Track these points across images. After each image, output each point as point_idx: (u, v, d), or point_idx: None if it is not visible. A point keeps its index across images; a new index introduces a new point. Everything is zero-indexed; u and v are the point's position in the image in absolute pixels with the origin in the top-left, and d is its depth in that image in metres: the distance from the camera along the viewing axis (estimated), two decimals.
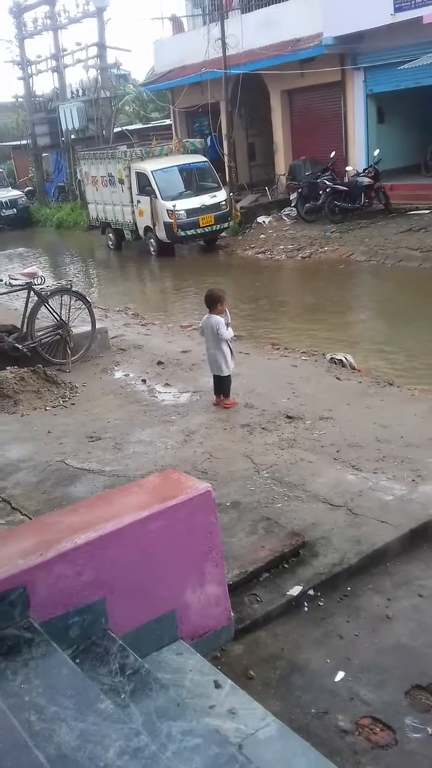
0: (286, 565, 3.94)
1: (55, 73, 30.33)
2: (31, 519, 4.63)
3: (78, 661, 2.71)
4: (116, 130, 28.36)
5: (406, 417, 5.98)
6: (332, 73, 19.38)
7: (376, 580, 3.88)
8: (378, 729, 2.90)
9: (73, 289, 8.72)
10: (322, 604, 3.71)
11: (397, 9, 16.48)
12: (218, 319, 6.47)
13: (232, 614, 3.43)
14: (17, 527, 4.24)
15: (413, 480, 4.80)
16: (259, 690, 3.11)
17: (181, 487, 3.24)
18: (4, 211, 30.05)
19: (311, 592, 3.75)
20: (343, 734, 2.88)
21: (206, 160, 19.84)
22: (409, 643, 3.37)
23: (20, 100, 32.86)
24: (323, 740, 2.83)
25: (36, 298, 8.22)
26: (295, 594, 3.71)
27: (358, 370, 7.81)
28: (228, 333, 6.51)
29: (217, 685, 2.89)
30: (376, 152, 18.02)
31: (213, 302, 6.54)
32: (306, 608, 3.69)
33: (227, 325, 6.52)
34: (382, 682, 3.14)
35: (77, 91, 29.14)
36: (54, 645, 2.61)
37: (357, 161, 19.48)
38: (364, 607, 3.67)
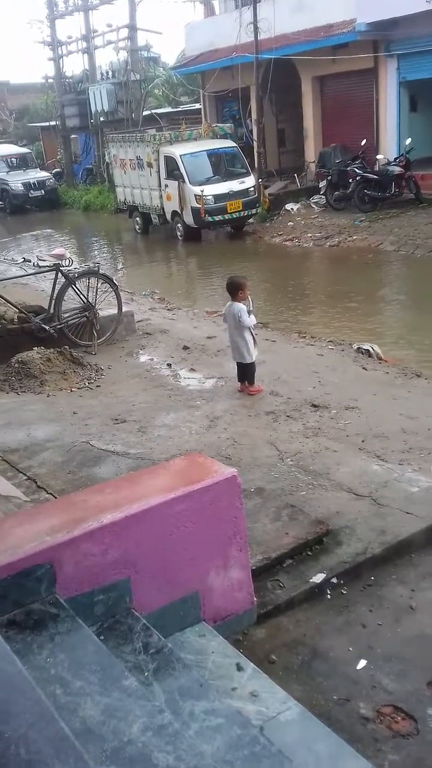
0: (309, 553, 3.93)
1: (86, 55, 30.27)
2: (56, 498, 4.67)
3: (102, 638, 2.73)
4: (145, 113, 28.30)
5: None
6: (365, 59, 19.11)
7: (400, 570, 3.86)
8: (400, 718, 2.89)
9: (101, 271, 8.74)
10: (345, 592, 3.71)
11: None
12: (240, 307, 6.45)
13: (255, 599, 3.43)
14: (44, 505, 4.28)
15: None
16: (280, 675, 3.12)
17: (206, 471, 3.24)
18: (32, 192, 30.11)
19: (334, 580, 3.74)
20: (364, 722, 2.88)
21: (235, 145, 19.74)
22: None
23: (50, 81, 32.90)
24: (344, 726, 2.83)
25: (63, 280, 8.25)
26: (318, 581, 3.71)
27: (385, 361, 7.76)
28: (250, 320, 6.49)
29: (240, 668, 2.90)
30: (408, 141, 17.77)
31: (234, 290, 6.52)
32: (329, 596, 3.69)
33: (249, 312, 6.49)
34: (404, 671, 3.13)
35: (107, 73, 29.07)
36: (79, 621, 2.64)
37: (388, 150, 19.25)
38: (387, 597, 3.65)
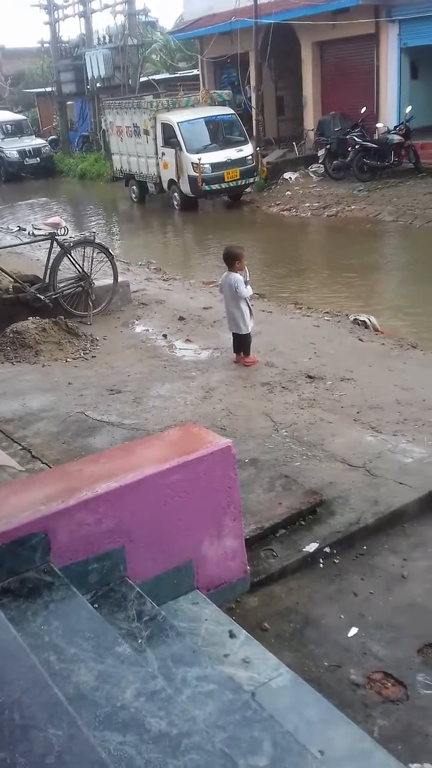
0: (302, 523, 3.96)
1: (82, 19, 29.70)
2: (51, 468, 4.68)
3: (96, 606, 2.76)
4: (143, 79, 27.84)
5: (428, 380, 5.94)
6: (366, 25, 18.78)
7: (393, 540, 3.90)
8: (389, 684, 2.94)
9: (96, 241, 8.67)
10: (337, 561, 3.75)
11: None
12: (237, 277, 6.41)
13: (248, 567, 3.47)
14: (39, 474, 4.30)
15: None
16: (272, 642, 3.16)
17: (201, 441, 3.26)
18: (27, 159, 29.77)
19: (327, 549, 3.78)
20: (354, 687, 2.93)
21: (233, 112, 19.49)
22: (423, 603, 3.40)
23: (46, 45, 32.36)
24: (335, 692, 2.88)
25: (59, 249, 8.18)
26: (311, 551, 3.74)
27: (381, 332, 7.75)
28: (247, 291, 6.46)
29: (232, 635, 2.94)
30: (408, 109, 17.55)
31: (231, 260, 6.48)
32: (321, 565, 3.72)
33: (246, 283, 6.46)
34: (395, 639, 3.18)
35: (104, 37, 28.57)
36: (73, 589, 2.66)
37: (388, 118, 19.01)
38: (379, 566, 3.69)
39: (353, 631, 3.25)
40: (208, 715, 2.26)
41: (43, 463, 4.84)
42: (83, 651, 2.34)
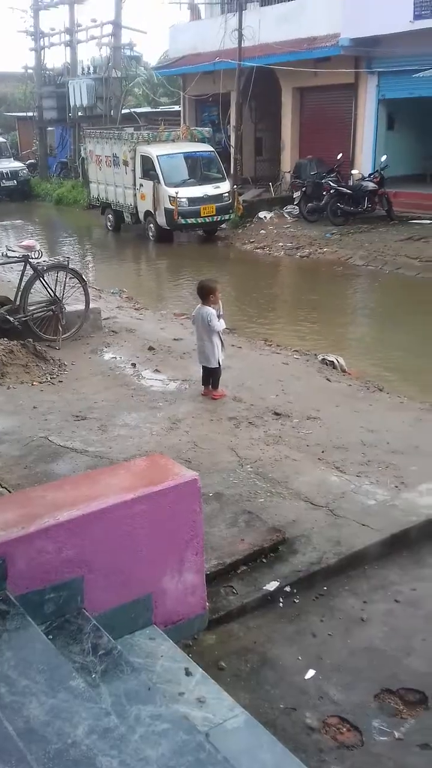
0: (264, 560, 3.93)
1: (68, 48, 29.99)
2: (10, 492, 4.59)
3: (51, 637, 2.69)
4: (124, 111, 28.15)
5: (393, 423, 5.99)
6: (346, 74, 19.32)
7: (353, 582, 3.89)
8: (345, 729, 2.90)
9: (70, 266, 8.65)
10: (297, 601, 3.71)
11: (417, 16, 16.44)
12: (210, 311, 6.44)
13: (207, 604, 3.42)
14: (0, 498, 4.21)
15: (396, 486, 4.81)
16: (229, 681, 3.10)
17: (167, 473, 3.22)
18: (4, 182, 29.72)
19: (288, 588, 3.75)
20: (309, 731, 2.89)
21: (212, 149, 19.77)
22: (381, 647, 3.38)
23: (30, 71, 32.52)
24: (290, 736, 2.83)
25: (31, 272, 8.14)
26: (271, 589, 3.71)
27: (349, 373, 7.82)
28: (220, 325, 6.49)
29: (188, 673, 2.89)
30: (383, 158, 18.00)
31: (205, 293, 6.51)
32: (281, 604, 3.69)
33: (219, 317, 6.49)
34: (352, 683, 3.14)
35: (88, 68, 28.85)
36: (29, 619, 2.59)
37: (363, 165, 19.47)
38: (339, 607, 3.67)
39: (310, 673, 3.21)
40: (161, 755, 2.20)
41: (2, 487, 4.74)
42: (35, 684, 2.27)
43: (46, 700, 2.20)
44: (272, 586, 3.73)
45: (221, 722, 2.63)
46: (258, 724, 2.65)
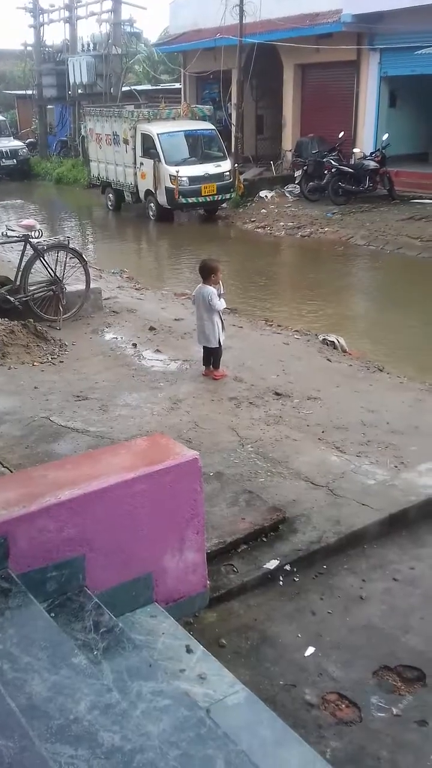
0: (264, 539, 3.96)
1: (67, 24, 29.64)
2: (12, 472, 4.61)
3: (53, 615, 2.71)
4: (124, 88, 27.84)
5: (393, 403, 6.00)
6: (348, 51, 19.10)
7: (353, 560, 3.91)
8: (344, 705, 2.94)
9: (70, 246, 8.61)
10: (297, 579, 3.74)
11: None
12: (211, 290, 6.42)
13: (208, 582, 3.45)
14: (1, 478, 4.23)
15: (395, 466, 4.83)
16: (229, 658, 3.14)
17: (168, 452, 3.24)
18: (3, 161, 29.48)
19: (287, 567, 3.78)
20: (309, 708, 2.92)
21: (213, 128, 19.60)
22: (380, 625, 3.41)
23: (29, 48, 32.14)
24: (289, 712, 2.87)
25: (32, 252, 8.10)
26: (271, 568, 3.73)
27: (350, 353, 7.81)
28: (220, 304, 6.47)
29: (189, 650, 2.92)
30: (385, 136, 17.85)
31: (207, 273, 6.49)
32: (281, 583, 3.72)
33: (220, 296, 6.48)
34: (350, 660, 3.18)
35: (88, 45, 28.51)
36: (31, 597, 2.61)
37: (365, 144, 19.31)
38: (338, 586, 3.70)
39: (310, 650, 3.24)
40: (162, 731, 2.23)
41: (4, 467, 4.76)
42: (38, 661, 2.29)
43: (49, 677, 2.23)
44: (272, 564, 3.76)
45: (222, 698, 2.66)
46: (258, 700, 2.69)
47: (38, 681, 2.21)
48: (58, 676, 2.23)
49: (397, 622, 3.43)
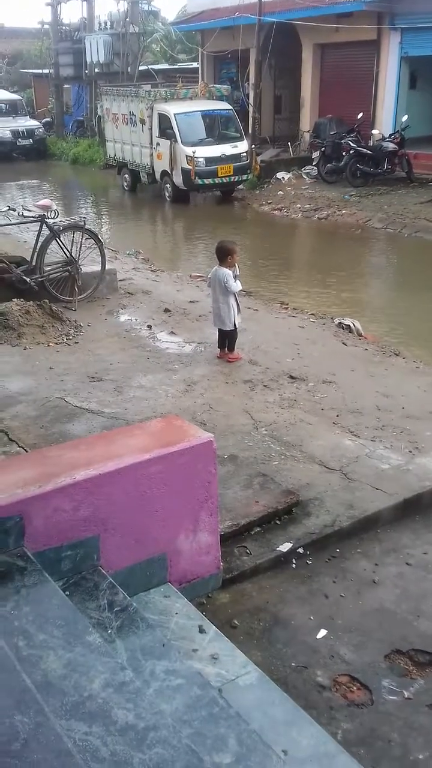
0: (278, 522, 3.97)
1: (85, 2, 29.43)
2: (27, 452, 4.64)
3: (68, 593, 2.74)
4: (141, 68, 27.66)
5: (408, 388, 5.97)
6: (368, 31, 18.82)
7: (366, 544, 3.92)
8: (355, 688, 2.95)
9: (86, 226, 8.60)
10: (310, 562, 3.75)
11: None
12: (227, 272, 6.40)
13: (221, 564, 3.47)
14: (17, 457, 4.26)
15: (410, 451, 4.81)
16: (241, 639, 3.16)
17: (183, 434, 3.24)
18: (20, 140, 29.38)
19: (301, 550, 3.79)
20: (320, 689, 2.94)
21: (231, 108, 19.42)
22: (392, 609, 3.41)
23: (46, 27, 31.96)
24: (301, 693, 2.89)
25: (48, 232, 8.10)
26: (284, 550, 3.74)
27: (365, 337, 7.77)
28: (236, 286, 6.45)
29: (202, 630, 2.94)
30: (405, 118, 17.62)
31: (224, 254, 6.47)
32: (294, 565, 3.73)
33: (236, 278, 6.45)
34: (363, 643, 3.19)
35: (105, 23, 28.32)
36: (46, 575, 2.64)
37: (384, 125, 19.08)
38: (351, 569, 3.71)
39: (322, 633, 3.26)
40: (175, 709, 2.25)
41: (20, 446, 4.79)
42: (53, 638, 2.32)
43: (64, 654, 2.25)
44: (285, 547, 3.77)
45: (234, 678, 2.68)
46: (270, 681, 2.71)
47: (53, 658, 2.23)
48: (73, 654, 2.26)
49: (410, 606, 3.44)
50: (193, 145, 17.82)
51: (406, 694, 2.92)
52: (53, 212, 8.31)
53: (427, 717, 2.82)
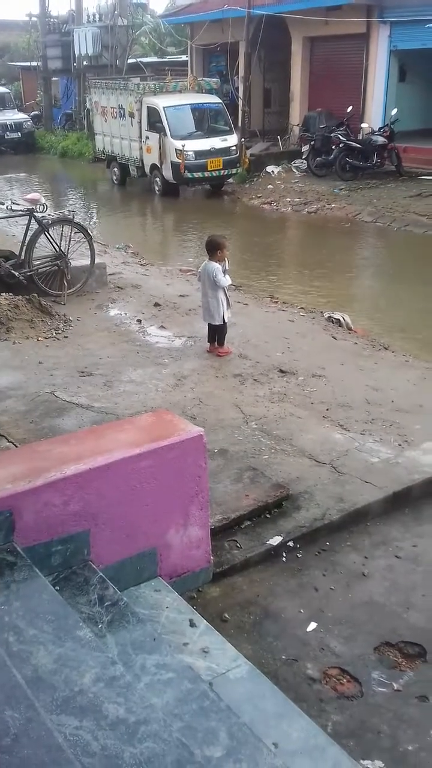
0: (268, 516, 3.98)
1: None
2: (17, 447, 4.63)
3: (58, 588, 2.73)
4: (130, 60, 27.52)
5: (398, 382, 5.99)
6: (357, 24, 18.79)
7: (355, 538, 3.93)
8: (345, 680, 2.97)
9: (75, 220, 8.56)
10: (300, 556, 3.76)
11: None
12: (216, 266, 6.40)
13: (211, 557, 3.47)
14: (7, 452, 4.25)
15: (400, 444, 4.83)
16: (232, 633, 3.17)
17: (173, 428, 3.24)
18: (8, 134, 29.19)
19: (291, 543, 3.80)
20: (310, 682, 2.95)
21: (220, 101, 19.38)
22: (381, 601, 3.43)
23: (34, 19, 31.75)
24: (291, 686, 2.90)
25: (36, 226, 8.06)
26: (274, 544, 3.76)
27: (355, 331, 7.78)
28: (226, 280, 6.44)
29: (192, 624, 2.94)
30: (394, 111, 17.62)
31: (213, 249, 6.46)
32: (284, 559, 3.74)
33: (225, 273, 6.44)
34: (352, 636, 3.21)
35: (94, 15, 28.15)
36: (36, 570, 2.63)
37: (373, 119, 19.08)
38: (341, 562, 3.72)
39: (312, 625, 3.27)
40: (166, 703, 2.26)
41: (9, 441, 4.77)
42: (43, 633, 2.32)
43: (54, 649, 2.25)
44: (275, 540, 3.78)
45: (224, 672, 2.69)
46: (260, 674, 2.72)
47: (44, 653, 2.23)
48: (63, 649, 2.26)
49: (399, 598, 3.46)
50: (183, 138, 17.76)
51: (395, 686, 2.94)
52: (42, 206, 8.27)
53: (416, 709, 2.84)
